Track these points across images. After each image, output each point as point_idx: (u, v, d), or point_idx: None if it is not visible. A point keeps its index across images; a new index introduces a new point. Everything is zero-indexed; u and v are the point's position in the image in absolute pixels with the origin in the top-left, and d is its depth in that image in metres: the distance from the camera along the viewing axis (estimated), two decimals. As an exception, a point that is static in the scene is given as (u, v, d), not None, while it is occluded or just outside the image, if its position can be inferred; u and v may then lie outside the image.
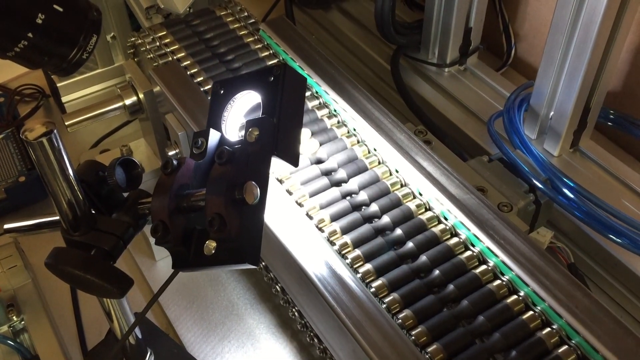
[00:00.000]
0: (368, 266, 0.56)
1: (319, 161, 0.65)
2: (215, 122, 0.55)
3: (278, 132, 0.50)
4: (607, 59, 0.74)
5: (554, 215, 0.77)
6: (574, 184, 0.71)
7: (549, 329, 0.52)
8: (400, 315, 0.52)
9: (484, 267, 0.56)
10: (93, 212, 0.51)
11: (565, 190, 0.71)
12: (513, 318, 0.53)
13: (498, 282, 0.55)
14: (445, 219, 0.59)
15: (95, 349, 0.66)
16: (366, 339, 0.50)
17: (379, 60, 1.00)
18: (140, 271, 0.79)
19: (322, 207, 0.60)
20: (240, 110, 0.56)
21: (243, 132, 0.50)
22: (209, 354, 0.70)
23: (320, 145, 0.66)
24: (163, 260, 0.79)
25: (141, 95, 0.79)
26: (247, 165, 0.47)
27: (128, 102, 0.80)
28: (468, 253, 0.57)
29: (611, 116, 0.87)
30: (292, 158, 0.51)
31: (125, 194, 0.54)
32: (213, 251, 0.47)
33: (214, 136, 0.52)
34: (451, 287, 0.54)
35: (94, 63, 0.99)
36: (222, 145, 0.51)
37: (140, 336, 0.62)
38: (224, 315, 0.74)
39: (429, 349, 0.50)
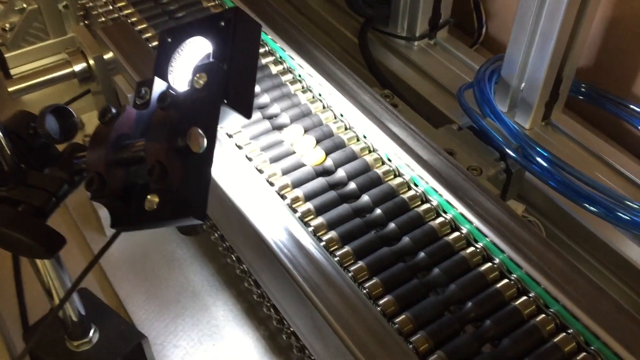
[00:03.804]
0: (326, 225, 0.53)
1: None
2: (161, 72, 0.50)
3: (229, 80, 0.46)
4: (580, 25, 0.72)
5: (524, 188, 0.75)
6: (547, 152, 0.69)
7: (506, 280, 0.50)
8: (369, 284, 0.49)
9: (441, 219, 0.54)
10: (23, 166, 0.46)
11: (539, 159, 0.68)
12: (471, 270, 0.50)
13: (457, 234, 0.52)
14: (416, 185, 0.56)
15: (35, 325, 0.61)
16: (324, 302, 0.46)
17: (347, 34, 0.97)
18: (89, 247, 0.74)
19: (286, 176, 0.57)
20: (190, 62, 0.52)
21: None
22: (162, 332, 0.66)
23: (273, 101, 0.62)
24: (114, 236, 0.74)
25: (91, 61, 0.75)
26: (193, 111, 0.43)
27: (77, 68, 0.75)
28: (411, 192, 0.55)
29: (582, 89, 0.84)
30: (245, 108, 0.47)
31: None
32: (155, 206, 0.42)
33: (159, 86, 0.47)
34: (422, 255, 0.51)
35: (45, 34, 0.93)
36: (167, 94, 0.47)
37: (83, 312, 0.58)
38: (178, 292, 0.69)
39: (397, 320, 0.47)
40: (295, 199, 0.55)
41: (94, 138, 0.44)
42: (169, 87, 0.49)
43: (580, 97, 0.85)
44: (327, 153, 0.59)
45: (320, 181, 0.57)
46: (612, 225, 0.68)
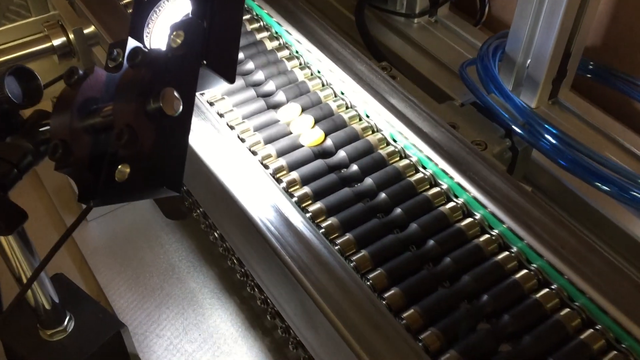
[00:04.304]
0: (325, 211, 0.49)
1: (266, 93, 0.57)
2: (137, 34, 0.46)
3: (209, 39, 0.42)
4: (590, -7, 0.68)
5: (531, 169, 0.71)
6: (556, 129, 0.64)
7: (526, 271, 0.45)
8: (372, 275, 0.44)
9: (436, 189, 0.50)
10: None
11: (548, 137, 0.64)
12: (487, 260, 0.45)
13: (469, 220, 0.48)
14: (424, 168, 0.52)
15: (6, 311, 0.57)
16: (315, 285, 0.42)
17: (343, 11, 0.93)
18: (69, 232, 0.69)
19: (282, 158, 0.53)
20: (169, 24, 0.47)
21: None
22: (144, 322, 0.62)
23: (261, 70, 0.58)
24: (96, 220, 0.70)
25: (71, 36, 0.70)
26: (168, 71, 0.39)
27: (56, 42, 0.71)
28: (419, 175, 0.50)
29: (590, 67, 0.80)
30: (226, 71, 0.43)
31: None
32: (127, 177, 0.38)
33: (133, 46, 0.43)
34: (432, 243, 0.47)
35: (26, 10, 0.89)
36: (142, 56, 0.43)
37: (56, 299, 0.54)
38: (162, 279, 0.66)
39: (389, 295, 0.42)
40: (292, 183, 0.51)
41: (59, 101, 0.40)
42: (143, 45, 0.45)
43: (588, 76, 0.80)
44: (327, 133, 0.55)
45: (319, 163, 0.53)
46: (624, 207, 0.64)
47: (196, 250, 0.68)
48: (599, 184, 0.61)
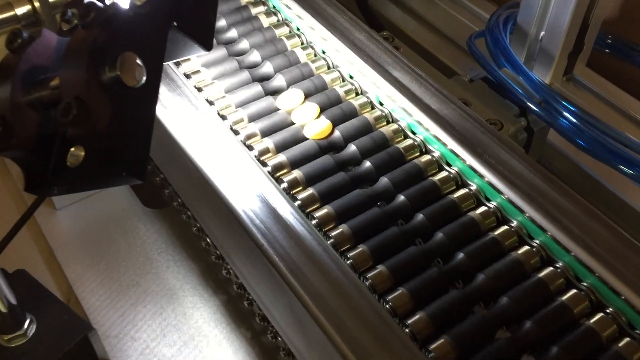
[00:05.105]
0: (334, 217, 0.43)
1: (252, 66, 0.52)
2: (98, -8, 0.39)
3: (181, -3, 0.35)
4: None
5: (546, 153, 0.66)
6: (576, 107, 0.59)
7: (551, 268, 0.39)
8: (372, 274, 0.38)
9: (464, 191, 0.44)
10: None
11: (567, 115, 0.58)
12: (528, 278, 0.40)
13: (505, 228, 0.42)
14: (449, 165, 0.46)
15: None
16: (306, 288, 0.35)
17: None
18: (35, 221, 0.65)
19: (282, 154, 0.47)
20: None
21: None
22: (117, 322, 0.57)
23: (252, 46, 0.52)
24: (65, 209, 0.65)
25: (36, 3, 0.64)
26: (129, 32, 0.32)
27: (20, 11, 0.64)
28: (444, 174, 0.45)
29: (609, 41, 0.74)
30: (202, 36, 0.37)
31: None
32: (81, 161, 0.32)
33: (91, 7, 0.37)
34: (440, 235, 0.41)
35: (-7, -21, 0.81)
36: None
37: (13, 300, 0.47)
38: (139, 274, 0.61)
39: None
40: (294, 183, 0.44)
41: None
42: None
43: (606, 51, 0.75)
44: (334, 123, 0.49)
45: (325, 159, 0.46)
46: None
47: (176, 243, 0.63)
48: (624, 167, 0.56)
